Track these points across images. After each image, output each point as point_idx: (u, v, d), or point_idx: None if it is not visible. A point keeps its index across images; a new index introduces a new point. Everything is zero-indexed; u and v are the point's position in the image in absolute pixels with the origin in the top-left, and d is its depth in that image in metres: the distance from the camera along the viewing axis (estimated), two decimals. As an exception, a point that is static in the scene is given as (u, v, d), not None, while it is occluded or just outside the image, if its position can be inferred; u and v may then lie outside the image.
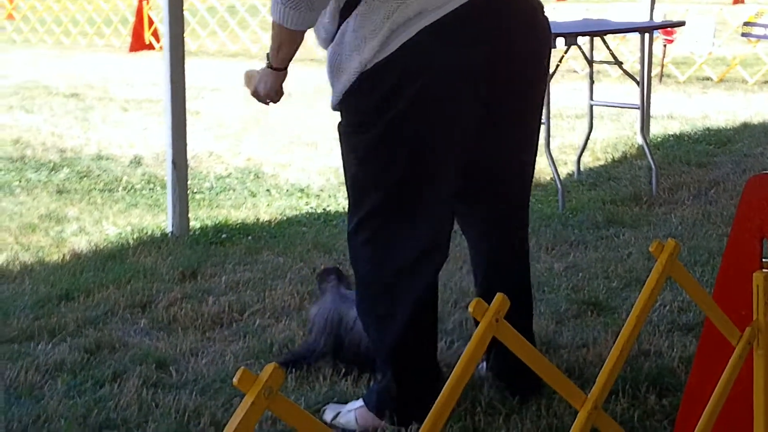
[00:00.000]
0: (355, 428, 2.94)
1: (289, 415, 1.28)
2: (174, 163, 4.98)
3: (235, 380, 1.22)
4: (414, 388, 2.89)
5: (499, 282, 3.02)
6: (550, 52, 2.97)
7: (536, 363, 1.54)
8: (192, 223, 5.11)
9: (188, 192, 5.16)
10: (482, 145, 2.85)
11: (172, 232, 4.99)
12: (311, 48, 12.98)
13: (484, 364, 3.17)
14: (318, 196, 5.94)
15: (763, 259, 1.86)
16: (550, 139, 5.64)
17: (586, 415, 1.56)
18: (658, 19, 7.82)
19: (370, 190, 2.82)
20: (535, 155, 3.11)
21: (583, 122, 6.53)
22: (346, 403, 3.03)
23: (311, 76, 10.21)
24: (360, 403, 2.98)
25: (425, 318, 2.90)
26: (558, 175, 5.51)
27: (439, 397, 1.41)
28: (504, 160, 2.97)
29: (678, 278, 1.69)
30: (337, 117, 2.85)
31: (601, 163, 6.61)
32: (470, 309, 1.42)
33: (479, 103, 2.76)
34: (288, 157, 7.04)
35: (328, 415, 2.99)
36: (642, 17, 7.35)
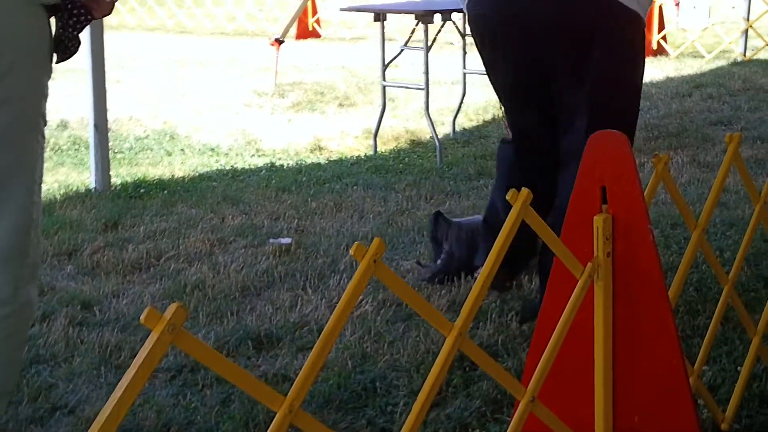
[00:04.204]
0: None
1: (191, 348, 1.27)
2: (96, 126, 4.88)
3: (142, 318, 1.21)
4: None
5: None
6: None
7: (410, 298, 1.55)
8: (113, 180, 4.99)
9: (110, 152, 5.05)
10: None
11: (95, 188, 4.88)
12: (221, 23, 12.78)
13: None
14: (227, 154, 5.87)
15: (603, 205, 1.89)
16: (429, 103, 5.65)
17: (452, 341, 1.58)
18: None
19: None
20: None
21: (458, 88, 6.56)
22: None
23: (223, 47, 10.10)
24: None
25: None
26: (436, 134, 5.53)
27: (325, 329, 1.41)
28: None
29: (530, 221, 1.72)
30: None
31: (474, 123, 6.66)
32: (351, 251, 1.42)
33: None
34: (200, 120, 6.92)
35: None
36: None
